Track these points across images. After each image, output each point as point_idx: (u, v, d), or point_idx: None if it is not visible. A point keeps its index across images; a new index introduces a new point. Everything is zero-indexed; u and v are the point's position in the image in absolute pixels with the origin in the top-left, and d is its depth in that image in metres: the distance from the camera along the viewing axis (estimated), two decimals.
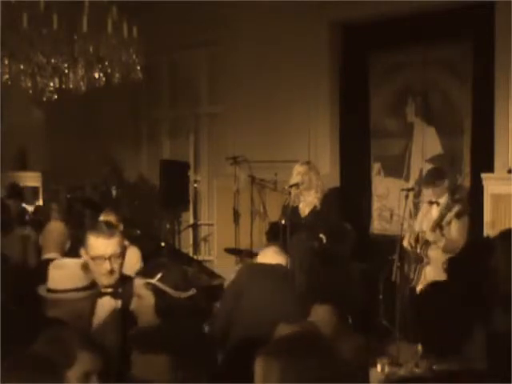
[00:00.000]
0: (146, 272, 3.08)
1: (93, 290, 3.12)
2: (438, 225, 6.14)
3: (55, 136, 9.65)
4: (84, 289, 3.06)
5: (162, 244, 7.98)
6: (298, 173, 6.67)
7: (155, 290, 2.98)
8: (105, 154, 9.94)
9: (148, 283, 3.00)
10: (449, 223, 6.14)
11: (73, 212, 8.69)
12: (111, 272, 3.31)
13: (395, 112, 7.68)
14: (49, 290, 3.08)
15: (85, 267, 3.14)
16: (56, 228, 5.09)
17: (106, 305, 3.30)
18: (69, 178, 9.43)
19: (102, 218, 5.63)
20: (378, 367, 5.90)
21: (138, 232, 7.38)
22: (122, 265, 3.37)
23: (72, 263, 3.19)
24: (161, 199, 9.17)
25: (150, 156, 10.14)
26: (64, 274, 3.09)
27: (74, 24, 6.84)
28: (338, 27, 7.95)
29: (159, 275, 3.00)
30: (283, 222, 6.44)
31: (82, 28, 6.79)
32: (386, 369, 5.93)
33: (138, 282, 3.05)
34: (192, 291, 3.05)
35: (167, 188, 8.97)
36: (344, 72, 8.01)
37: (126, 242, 5.73)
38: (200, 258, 8.86)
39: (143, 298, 3.01)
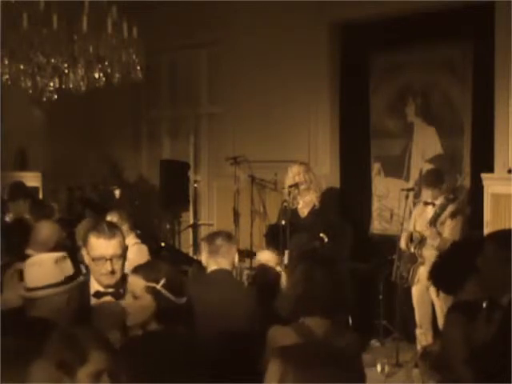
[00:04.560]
0: (148, 275, 3.00)
1: (68, 284, 3.09)
2: (433, 224, 6.17)
3: (55, 136, 9.64)
4: (59, 284, 3.05)
5: (162, 244, 7.97)
6: (297, 173, 6.67)
7: (157, 294, 2.93)
8: (105, 154, 9.93)
9: (150, 287, 2.95)
10: (443, 223, 6.16)
11: (73, 212, 8.67)
12: (112, 273, 3.30)
13: (395, 112, 7.67)
14: (28, 289, 3.07)
15: (58, 261, 3.11)
16: (45, 227, 5.08)
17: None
18: (69, 178, 9.42)
19: (108, 218, 5.66)
20: (378, 367, 5.91)
21: (138, 232, 7.37)
22: (123, 265, 3.36)
23: (45, 259, 3.15)
24: (161, 199, 9.17)
25: (150, 156, 10.13)
26: (38, 271, 3.08)
27: (74, 24, 6.84)
28: (338, 27, 7.95)
29: (163, 281, 2.95)
30: (283, 222, 6.44)
31: (82, 28, 6.79)
32: (386, 369, 5.93)
33: (138, 282, 2.99)
34: (185, 297, 3.02)
35: (167, 188, 8.97)
36: (344, 72, 8.01)
37: (135, 240, 5.82)
38: (200, 258, 8.84)
39: (140, 299, 2.96)
